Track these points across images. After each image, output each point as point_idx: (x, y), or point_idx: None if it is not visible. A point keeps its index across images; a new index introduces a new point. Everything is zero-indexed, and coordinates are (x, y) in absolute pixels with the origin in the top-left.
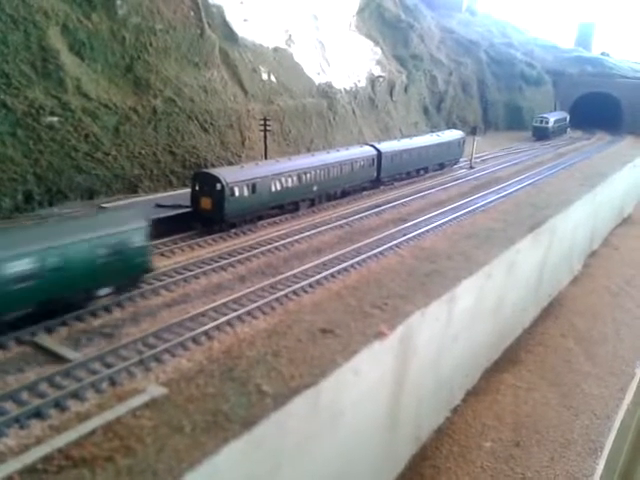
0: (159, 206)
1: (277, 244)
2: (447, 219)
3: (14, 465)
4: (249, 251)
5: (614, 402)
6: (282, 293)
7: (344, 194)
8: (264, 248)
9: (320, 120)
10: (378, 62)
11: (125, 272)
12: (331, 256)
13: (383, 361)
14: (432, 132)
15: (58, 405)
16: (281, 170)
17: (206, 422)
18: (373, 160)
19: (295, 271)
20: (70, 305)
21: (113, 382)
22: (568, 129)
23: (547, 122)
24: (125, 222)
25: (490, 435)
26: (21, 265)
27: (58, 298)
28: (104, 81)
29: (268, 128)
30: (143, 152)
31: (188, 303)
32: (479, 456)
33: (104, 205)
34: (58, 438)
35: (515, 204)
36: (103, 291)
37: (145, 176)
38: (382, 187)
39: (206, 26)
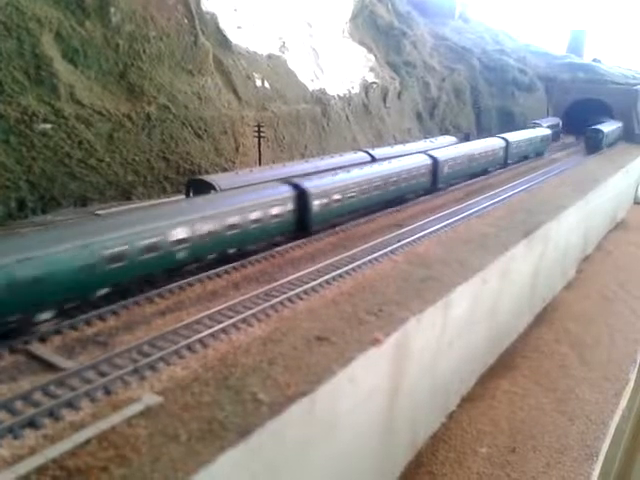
0: None
1: (271, 251)
2: (442, 225)
3: (8, 476)
4: (243, 258)
5: (609, 407)
6: (277, 300)
7: None
8: (258, 255)
9: (314, 126)
10: (371, 69)
11: (541, 149)
12: (326, 263)
13: (379, 368)
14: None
15: (52, 414)
16: (276, 176)
17: (202, 431)
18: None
19: (290, 278)
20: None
21: (108, 391)
22: (560, 135)
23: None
24: (544, 130)
25: (486, 441)
26: None
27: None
28: (98, 88)
29: (262, 134)
30: (137, 159)
31: (183, 310)
32: (475, 462)
33: (99, 212)
34: (52, 448)
35: (509, 210)
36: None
37: (139, 183)
38: None
39: (200, 33)
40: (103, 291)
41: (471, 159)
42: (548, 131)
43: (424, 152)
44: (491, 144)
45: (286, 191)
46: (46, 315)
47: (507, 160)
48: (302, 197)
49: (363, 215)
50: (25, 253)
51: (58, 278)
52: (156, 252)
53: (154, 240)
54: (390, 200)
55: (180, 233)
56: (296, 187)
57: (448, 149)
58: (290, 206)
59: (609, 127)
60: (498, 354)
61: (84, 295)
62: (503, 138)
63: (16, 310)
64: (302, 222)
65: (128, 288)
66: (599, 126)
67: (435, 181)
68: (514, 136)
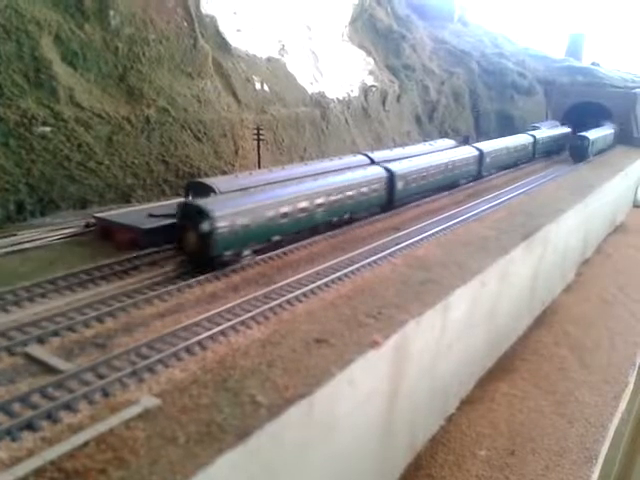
0: (151, 216)
1: (270, 253)
2: (441, 227)
3: (6, 478)
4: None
5: (608, 410)
6: (276, 303)
7: None
8: (257, 257)
9: (313, 129)
10: (371, 72)
11: (564, 145)
12: (324, 265)
13: (378, 370)
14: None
15: (50, 417)
16: (275, 179)
17: (200, 433)
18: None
19: (289, 280)
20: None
21: (106, 393)
22: None
23: None
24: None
25: (485, 443)
26: None
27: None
28: (97, 91)
29: (261, 137)
30: (136, 161)
31: (181, 313)
32: (474, 465)
33: (97, 215)
34: (50, 450)
35: (508, 212)
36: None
37: (138, 185)
38: None
39: (199, 36)
40: (276, 238)
41: (508, 152)
42: (568, 130)
43: (471, 145)
44: (521, 140)
45: (380, 172)
46: (247, 252)
47: (535, 154)
48: (391, 177)
49: (428, 195)
50: (239, 208)
51: (256, 226)
52: (305, 213)
53: (305, 203)
54: (449, 184)
55: (320, 199)
56: (387, 169)
57: (488, 143)
58: (383, 184)
59: (597, 133)
60: (497, 357)
61: (267, 239)
62: (532, 135)
63: (232, 247)
64: (390, 197)
65: (282, 240)
66: (585, 133)
67: (480, 169)
68: (540, 133)
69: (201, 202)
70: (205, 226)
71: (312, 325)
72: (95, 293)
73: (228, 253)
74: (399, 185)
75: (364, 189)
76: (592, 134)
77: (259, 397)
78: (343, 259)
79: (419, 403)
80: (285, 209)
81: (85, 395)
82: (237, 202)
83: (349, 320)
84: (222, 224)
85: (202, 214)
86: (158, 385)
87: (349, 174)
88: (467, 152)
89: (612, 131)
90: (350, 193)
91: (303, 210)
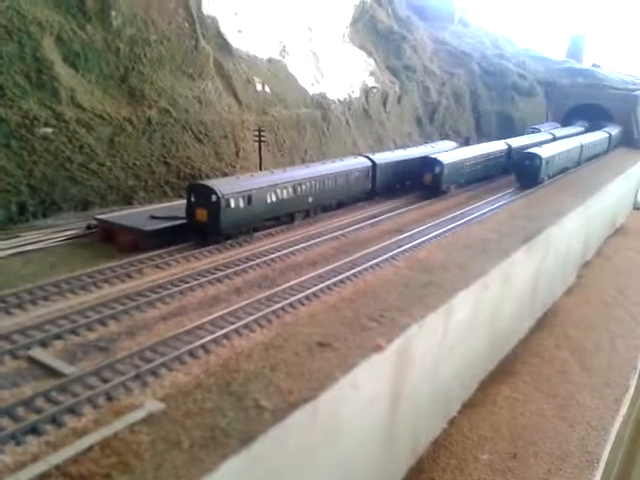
0: (153, 217)
1: (273, 256)
2: (442, 230)
3: None
4: (245, 263)
5: (609, 413)
6: (279, 306)
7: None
8: (260, 260)
9: (314, 130)
10: (372, 73)
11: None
12: (327, 268)
13: (381, 374)
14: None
15: (54, 421)
16: (276, 181)
17: (204, 438)
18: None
19: (291, 283)
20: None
21: (110, 397)
22: None
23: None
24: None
25: (487, 447)
26: None
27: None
28: (98, 92)
29: (262, 139)
30: (138, 163)
31: (184, 316)
32: (476, 468)
33: (99, 216)
34: (55, 455)
35: (509, 215)
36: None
37: (140, 187)
38: (376, 198)
39: (200, 37)
40: (461, 181)
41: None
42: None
43: (535, 130)
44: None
45: (505, 146)
46: (452, 187)
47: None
48: (509, 150)
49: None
50: (452, 160)
51: (459, 171)
52: (473, 168)
53: (474, 162)
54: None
55: (481, 159)
56: (508, 144)
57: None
58: (505, 154)
59: (553, 149)
60: (499, 360)
61: (459, 181)
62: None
63: (448, 183)
64: (507, 164)
65: (464, 184)
66: (536, 149)
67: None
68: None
69: (436, 155)
70: (437, 169)
71: (315, 328)
72: (98, 296)
73: (445, 186)
74: (514, 156)
75: (498, 155)
76: (545, 150)
77: (263, 401)
78: (345, 262)
79: (421, 406)
80: (468, 164)
81: (89, 399)
82: (451, 156)
83: (352, 323)
84: (446, 169)
85: (436, 162)
86: (162, 389)
87: (489, 146)
88: (542, 136)
89: (579, 144)
90: (492, 157)
91: (473, 166)
